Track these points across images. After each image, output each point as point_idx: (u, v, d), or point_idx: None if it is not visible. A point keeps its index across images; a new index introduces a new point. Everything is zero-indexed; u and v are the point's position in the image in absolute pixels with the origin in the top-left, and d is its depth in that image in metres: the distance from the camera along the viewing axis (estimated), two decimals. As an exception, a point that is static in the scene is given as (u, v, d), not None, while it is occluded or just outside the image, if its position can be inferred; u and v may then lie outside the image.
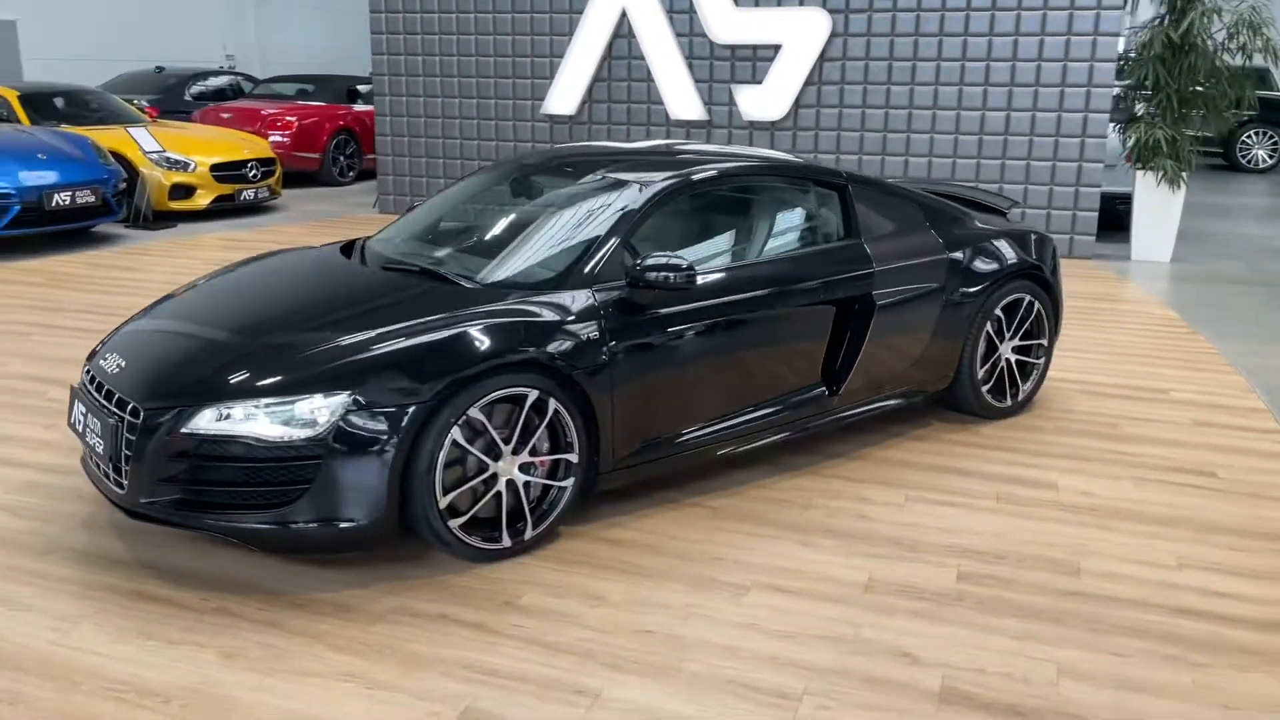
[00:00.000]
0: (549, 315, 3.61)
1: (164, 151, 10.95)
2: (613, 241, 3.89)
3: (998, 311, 4.90)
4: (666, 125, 10.71)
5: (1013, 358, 5.04)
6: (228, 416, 3.23)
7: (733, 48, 10.34)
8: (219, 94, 16.69)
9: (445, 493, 3.35)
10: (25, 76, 16.03)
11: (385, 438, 3.22)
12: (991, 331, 4.91)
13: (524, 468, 3.54)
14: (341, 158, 14.54)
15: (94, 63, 16.51)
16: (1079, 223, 9.68)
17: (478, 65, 11.38)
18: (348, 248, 4.50)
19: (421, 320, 3.49)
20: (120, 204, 9.90)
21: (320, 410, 3.21)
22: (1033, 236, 5.17)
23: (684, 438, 3.97)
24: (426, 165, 11.82)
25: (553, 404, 3.53)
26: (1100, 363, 6.09)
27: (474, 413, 3.36)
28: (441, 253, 4.27)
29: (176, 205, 10.97)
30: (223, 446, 3.22)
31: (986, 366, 4.94)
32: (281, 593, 3.31)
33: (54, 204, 9.07)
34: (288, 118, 14.18)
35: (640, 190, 4.08)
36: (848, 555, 3.64)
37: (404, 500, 3.31)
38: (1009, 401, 5.06)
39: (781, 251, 4.41)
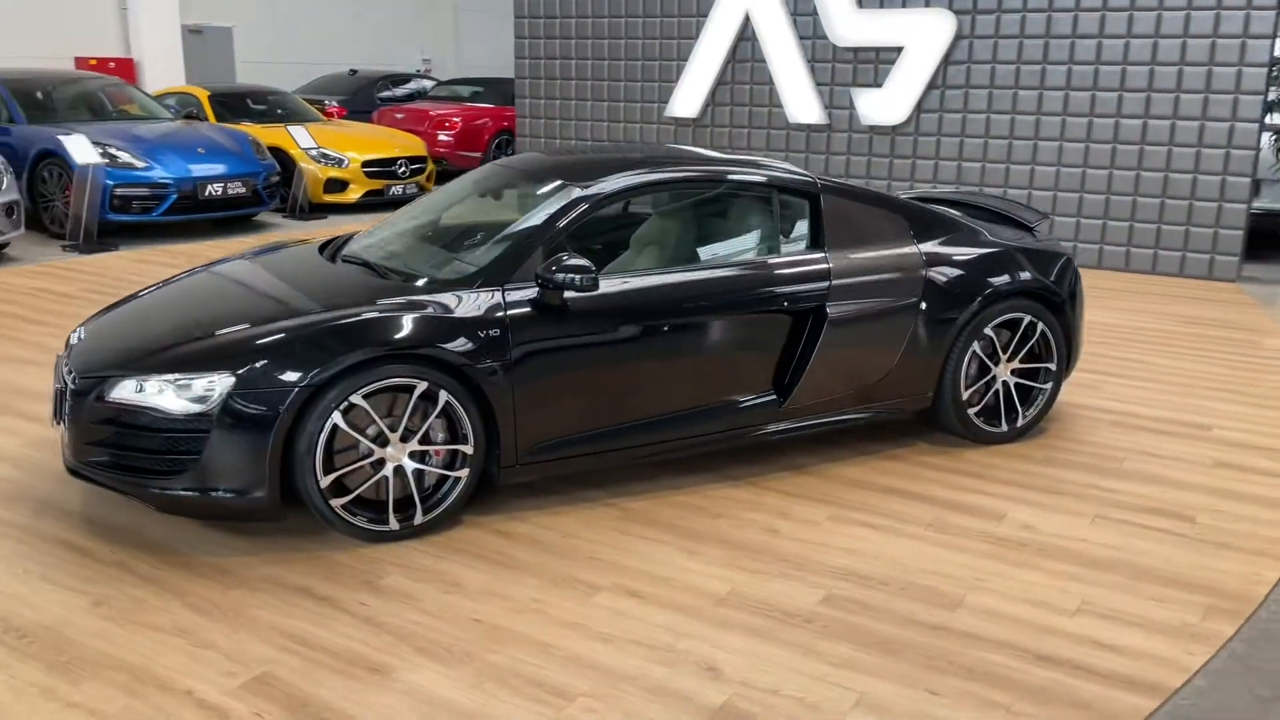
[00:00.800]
0: (450, 311, 3.75)
1: (320, 148, 11.80)
2: (530, 244, 3.98)
3: (989, 331, 4.65)
4: (786, 129, 10.61)
5: (1012, 381, 4.76)
6: (142, 389, 3.55)
7: (854, 50, 10.13)
8: (408, 96, 17.76)
9: (332, 472, 3.56)
10: (238, 78, 17.63)
11: (265, 417, 3.46)
12: (982, 352, 4.66)
13: (416, 455, 3.71)
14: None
15: (300, 66, 17.94)
16: (1221, 242, 8.90)
17: (608, 69, 11.63)
18: (331, 243, 4.78)
19: (324, 310, 3.72)
20: (271, 196, 10.76)
21: (211, 388, 3.49)
22: (1049, 255, 4.87)
23: (601, 438, 4.02)
24: (561, 165, 12.18)
25: (444, 396, 3.67)
26: (1155, 393, 5.64)
27: (357, 399, 3.55)
28: (397, 248, 4.48)
29: (330, 198, 11.81)
30: (137, 415, 3.55)
31: (975, 388, 4.69)
32: (180, 553, 3.62)
33: (207, 194, 9.98)
34: (453, 118, 14.93)
35: (572, 195, 4.15)
36: (725, 567, 3.59)
37: (288, 477, 3.54)
38: (1004, 427, 4.78)
39: (724, 259, 4.37)
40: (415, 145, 12.82)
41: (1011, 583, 3.52)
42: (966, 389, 4.68)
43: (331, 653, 3.04)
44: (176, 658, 2.99)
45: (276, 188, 10.90)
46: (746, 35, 10.65)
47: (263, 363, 3.52)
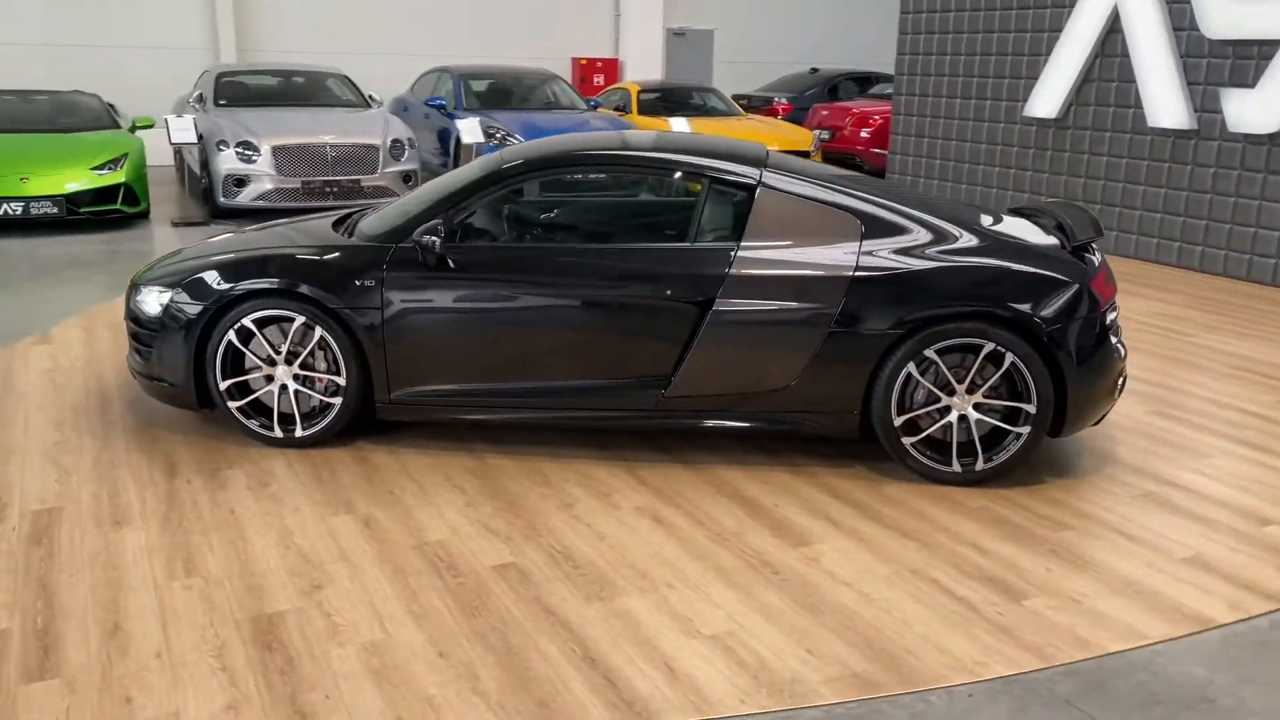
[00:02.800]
0: (338, 259, 4.36)
1: (699, 138, 12.66)
2: (429, 208, 4.43)
3: (931, 354, 4.11)
4: (1149, 135, 9.25)
5: (974, 417, 4.15)
6: (145, 298, 4.67)
7: (1230, 43, 8.54)
8: (863, 94, 17.94)
9: (229, 378, 4.40)
10: (714, 78, 19.12)
11: (184, 328, 4.38)
12: (924, 376, 4.14)
13: (299, 379, 4.40)
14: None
15: (775, 65, 18.97)
16: None
17: (978, 64, 10.96)
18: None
19: (254, 250, 4.53)
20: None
21: (161, 299, 4.49)
22: (1047, 282, 4.13)
23: (473, 394, 4.35)
24: (927, 166, 11.76)
25: (318, 331, 4.32)
26: (1245, 470, 4.42)
27: (246, 322, 4.33)
28: (385, 214, 5.05)
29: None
30: (140, 318, 4.68)
31: (916, 415, 4.17)
32: (141, 418, 4.70)
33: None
34: (874, 116, 14.90)
35: (488, 170, 4.49)
36: (460, 517, 3.80)
37: (200, 377, 4.44)
38: (955, 467, 4.19)
39: (618, 241, 4.39)
40: (797, 140, 13.14)
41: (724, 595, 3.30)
42: (901, 414, 4.18)
43: (65, 499, 3.88)
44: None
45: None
46: (1117, 27, 9.43)
47: (192, 285, 4.44)
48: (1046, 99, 10.11)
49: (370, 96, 12.11)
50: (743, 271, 4.21)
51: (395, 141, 10.58)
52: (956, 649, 3.06)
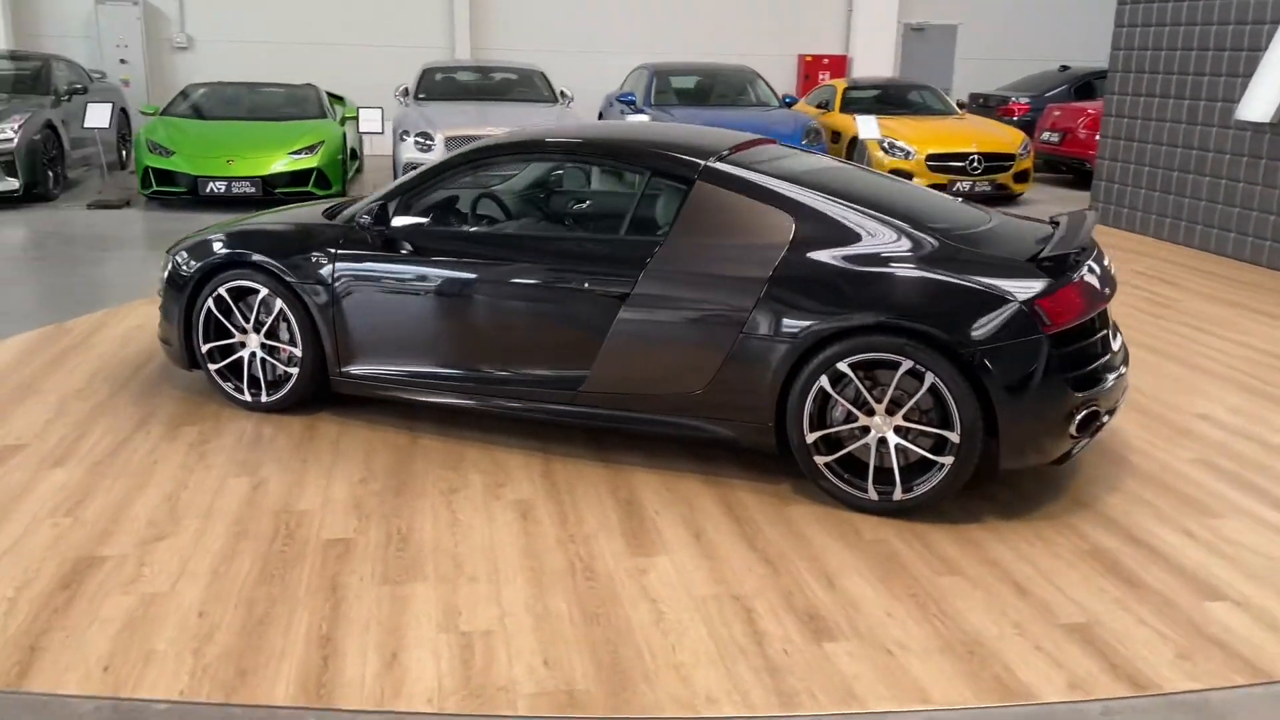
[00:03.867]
0: (301, 237, 4.60)
1: (889, 139, 12.10)
2: (385, 192, 4.56)
3: (844, 368, 3.77)
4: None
5: (893, 440, 3.77)
6: (166, 264, 5.12)
7: None
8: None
9: (209, 342, 4.75)
10: (955, 76, 18.14)
11: (178, 294, 4.78)
12: (837, 392, 3.80)
13: (265, 348, 4.68)
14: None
15: (1021, 63, 17.74)
16: None
17: (1193, 60, 9.75)
18: None
19: (249, 224, 4.86)
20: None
21: (166, 264, 4.92)
22: (980, 296, 3.67)
23: (412, 375, 4.45)
24: (1135, 173, 10.60)
25: (278, 303, 4.58)
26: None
27: (221, 291, 4.67)
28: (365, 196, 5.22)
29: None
30: (161, 283, 5.13)
31: (828, 433, 3.84)
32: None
33: (735, 171, 11.21)
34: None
35: (438, 159, 4.56)
36: (285, 478, 3.91)
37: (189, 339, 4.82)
38: (873, 495, 3.82)
39: (551, 232, 4.31)
40: (1006, 141, 12.23)
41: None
42: (814, 431, 3.86)
43: None
44: (25, 424, 4.56)
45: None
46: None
47: (187, 252, 4.82)
48: (1260, 101, 8.85)
49: (561, 92, 12.51)
50: (660, 267, 4.04)
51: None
52: (702, 682, 2.81)
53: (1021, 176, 12.24)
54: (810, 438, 3.86)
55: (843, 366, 3.77)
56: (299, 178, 10.59)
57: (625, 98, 12.93)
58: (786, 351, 3.83)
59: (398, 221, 4.46)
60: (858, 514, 3.84)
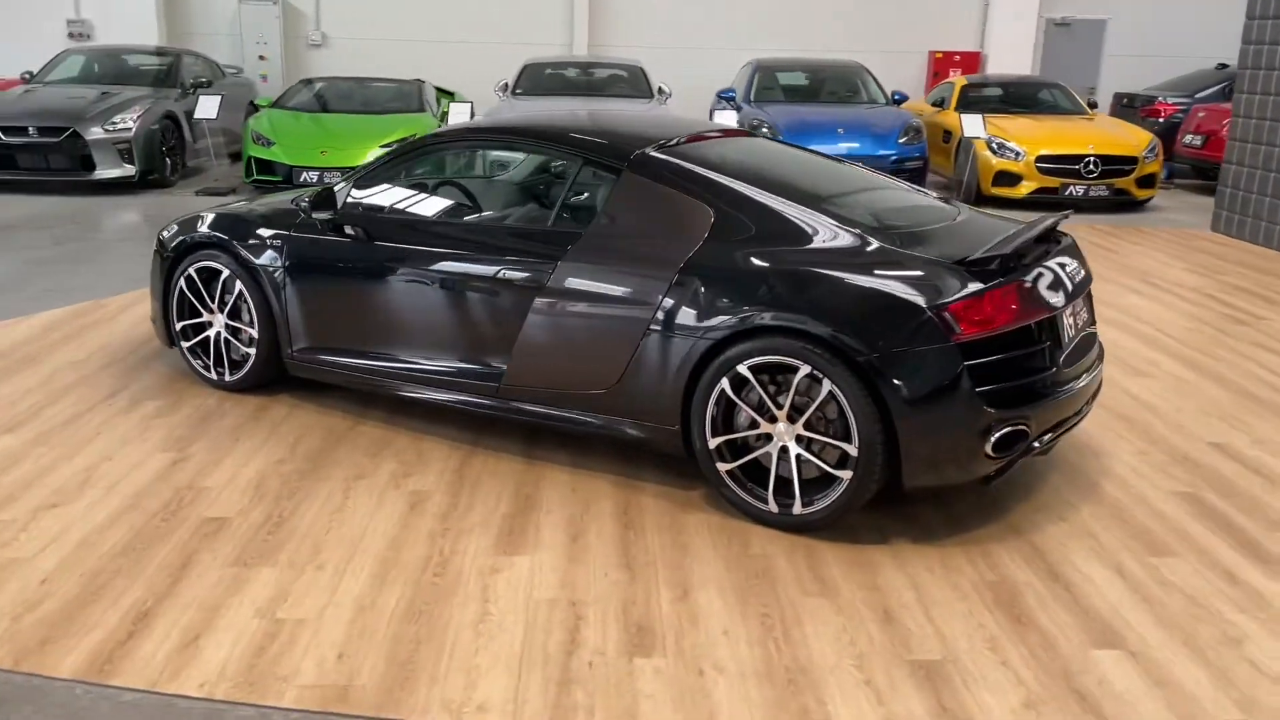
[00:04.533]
0: (262, 219, 4.68)
1: (996, 138, 11.47)
2: (346, 176, 4.58)
3: (744, 370, 3.55)
4: None
5: (794, 450, 3.54)
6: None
7: None
8: None
9: (184, 318, 4.91)
10: (1100, 75, 17.05)
11: (158, 273, 4.95)
12: (740, 396, 3.58)
13: (229, 328, 4.80)
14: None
15: (1177, 60, 16.55)
16: None
17: (1321, 56, 8.83)
18: None
19: (229, 208, 4.99)
20: (911, 181, 11.03)
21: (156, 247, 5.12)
22: (885, 300, 3.39)
23: (357, 360, 4.46)
24: (1261, 180, 9.68)
25: (239, 285, 4.68)
26: None
27: (191, 271, 4.81)
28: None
29: (998, 191, 11.44)
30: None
31: (731, 439, 3.63)
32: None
33: (824, 169, 10.86)
34: (1256, 120, 12.53)
35: (386, 150, 4.54)
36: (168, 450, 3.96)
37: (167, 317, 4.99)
38: (773, 507, 3.59)
39: (482, 221, 4.22)
40: (1129, 143, 11.39)
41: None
42: (716, 436, 3.65)
43: None
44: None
45: (918, 173, 11.12)
46: None
47: (169, 233, 4.98)
48: (1396, 98, 7.92)
49: (659, 88, 12.42)
50: (576, 258, 3.91)
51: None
52: (485, 689, 2.68)
53: (1147, 181, 11.38)
54: (712, 443, 3.66)
55: (743, 369, 3.55)
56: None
57: (725, 94, 12.73)
58: (689, 351, 3.64)
59: (348, 207, 4.49)
60: (758, 526, 3.61)
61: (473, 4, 16.30)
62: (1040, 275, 3.65)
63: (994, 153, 11.44)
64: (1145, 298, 7.15)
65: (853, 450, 3.41)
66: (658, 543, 3.50)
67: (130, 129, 10.90)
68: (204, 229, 4.79)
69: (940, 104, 13.29)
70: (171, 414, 4.57)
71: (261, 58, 16.05)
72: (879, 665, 2.82)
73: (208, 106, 11.19)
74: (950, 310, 3.34)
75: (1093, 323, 4.15)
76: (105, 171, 10.78)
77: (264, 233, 4.63)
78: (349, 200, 4.51)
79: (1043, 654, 2.90)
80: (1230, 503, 3.90)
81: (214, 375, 4.88)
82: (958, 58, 16.80)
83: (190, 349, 4.93)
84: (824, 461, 3.50)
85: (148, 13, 15.72)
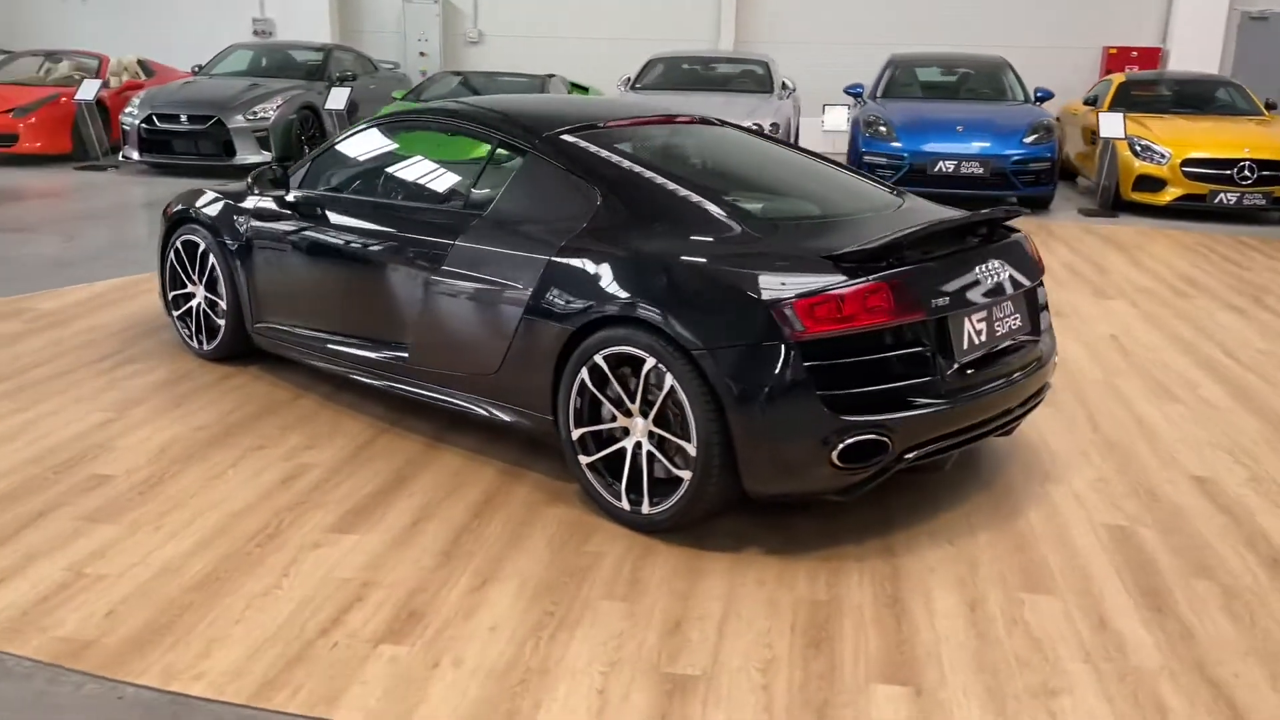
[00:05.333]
0: (235, 196, 4.86)
1: (1138, 139, 10.56)
2: (307, 158, 4.70)
3: (600, 361, 3.40)
4: None
5: (646, 447, 3.37)
6: None
7: None
8: None
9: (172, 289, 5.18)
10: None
11: (161, 240, 5.24)
12: (597, 387, 3.44)
13: (209, 301, 5.02)
14: None
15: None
16: None
17: None
18: None
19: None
20: (1038, 182, 10.31)
21: (164, 223, 5.42)
22: (719, 289, 3.19)
23: (306, 338, 4.54)
24: None
25: (212, 258, 4.88)
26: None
27: (178, 244, 5.06)
28: None
29: (1139, 196, 10.54)
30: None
31: (589, 430, 3.50)
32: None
33: (937, 170, 10.31)
34: None
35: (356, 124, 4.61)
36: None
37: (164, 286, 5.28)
38: (624, 504, 3.43)
39: (406, 201, 4.22)
40: (1288, 148, 10.25)
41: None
42: (579, 426, 3.52)
43: None
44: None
45: (1045, 174, 10.39)
46: None
47: (169, 208, 5.24)
48: None
49: (783, 84, 12.14)
50: (467, 243, 3.86)
51: (756, 126, 10.53)
52: (217, 659, 2.67)
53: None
54: (575, 434, 3.52)
55: (599, 359, 3.40)
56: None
57: (852, 89, 12.29)
58: (555, 338, 3.53)
59: (305, 185, 4.61)
60: (610, 524, 3.45)
61: (624, 2, 16.42)
62: (931, 273, 3.32)
63: (1136, 155, 10.54)
64: (1241, 317, 6.40)
65: (692, 450, 3.20)
66: (496, 533, 3.40)
67: (269, 119, 11.61)
68: (192, 204, 5.02)
69: (1093, 102, 12.36)
70: (141, 378, 4.82)
71: (421, 54, 16.73)
72: (627, 675, 2.64)
73: (337, 98, 11.76)
74: (793, 306, 3.08)
75: (1034, 330, 3.74)
76: (244, 157, 11.50)
77: (233, 209, 4.81)
78: (304, 179, 4.62)
79: (815, 682, 2.63)
80: (1165, 542, 3.42)
81: (195, 344, 5.12)
82: (1135, 54, 15.55)
83: (179, 318, 5.19)
84: (671, 460, 3.31)
85: (322, 12, 16.70)
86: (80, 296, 6.23)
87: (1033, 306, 3.76)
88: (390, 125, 4.62)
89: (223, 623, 2.85)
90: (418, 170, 4.45)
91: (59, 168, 12.00)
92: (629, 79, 12.45)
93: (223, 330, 4.93)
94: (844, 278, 3.16)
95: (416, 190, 4.37)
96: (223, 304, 4.88)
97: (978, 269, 3.46)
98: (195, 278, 5.02)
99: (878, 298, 3.16)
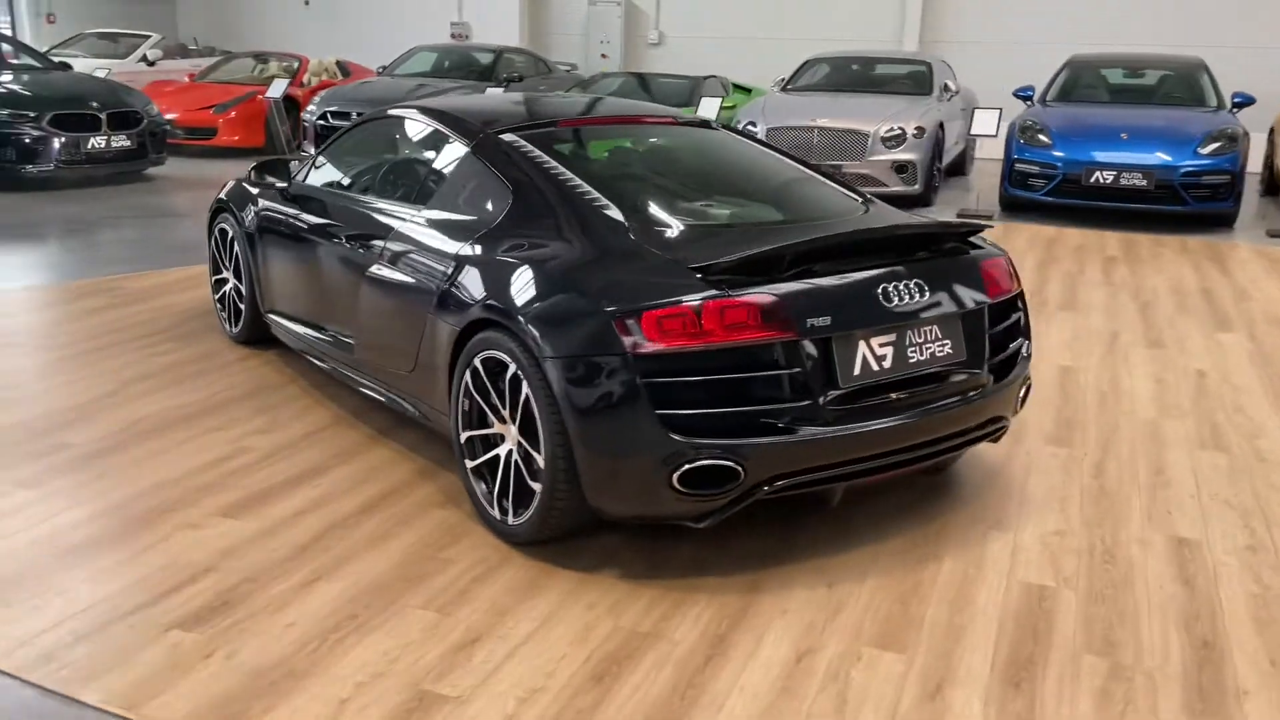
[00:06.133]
0: (251, 188, 5.08)
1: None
2: (316, 153, 4.85)
3: (479, 364, 3.33)
4: None
5: (515, 456, 3.27)
6: None
7: None
8: None
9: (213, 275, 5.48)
10: None
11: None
12: (478, 392, 3.36)
13: (235, 287, 5.28)
14: None
15: None
16: None
17: None
18: None
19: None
20: (1213, 197, 9.30)
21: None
22: (568, 298, 3.05)
23: (299, 328, 4.69)
24: None
25: (237, 246, 5.13)
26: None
27: (215, 232, 5.35)
28: None
29: (1338, 216, 9.32)
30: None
31: (475, 434, 3.42)
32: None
33: (1093, 180, 9.47)
34: None
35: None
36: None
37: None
38: (494, 511, 3.34)
39: (362, 194, 4.28)
40: None
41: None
42: (468, 430, 3.45)
43: None
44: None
45: (1223, 189, 9.34)
46: None
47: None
48: None
49: (945, 85, 11.51)
50: (394, 245, 3.88)
51: (893, 130, 10.06)
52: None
53: None
54: (463, 436, 3.46)
55: (477, 362, 3.32)
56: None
57: (1021, 92, 11.48)
58: (448, 338, 3.47)
59: (299, 180, 4.77)
60: (485, 531, 3.37)
61: (806, 3, 16.06)
62: (816, 290, 3.03)
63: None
64: (1382, 357, 5.51)
65: (540, 460, 3.07)
66: (368, 531, 3.38)
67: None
68: (228, 194, 5.29)
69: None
70: (166, 356, 5.11)
71: (603, 56, 17.00)
72: (381, 689, 2.55)
73: (276, 88, 12.69)
74: (638, 318, 2.89)
75: (974, 359, 3.35)
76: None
77: (247, 199, 5.04)
78: (304, 173, 4.77)
79: (568, 717, 2.45)
80: (1083, 610, 2.98)
81: (226, 327, 5.40)
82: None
83: (217, 301, 5.49)
84: (530, 471, 3.18)
85: (512, 14, 17.29)
86: (172, 279, 6.69)
87: (974, 332, 3.36)
88: (375, 124, 4.69)
89: (51, 593, 2.96)
90: (381, 168, 4.48)
91: (250, 159, 13.00)
92: (783, 80, 12.16)
93: (243, 314, 5.17)
94: (712, 290, 2.94)
95: (373, 186, 4.40)
96: (239, 285, 5.12)
97: (889, 288, 3.13)
98: (227, 264, 5.29)
99: (740, 314, 2.92)
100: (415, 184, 4.15)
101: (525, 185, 3.58)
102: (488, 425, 3.36)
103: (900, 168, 10.05)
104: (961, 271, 3.36)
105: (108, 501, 3.54)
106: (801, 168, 4.15)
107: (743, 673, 2.65)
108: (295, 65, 14.55)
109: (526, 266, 3.21)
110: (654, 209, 3.54)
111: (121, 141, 10.57)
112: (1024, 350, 3.63)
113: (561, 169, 3.63)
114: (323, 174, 4.72)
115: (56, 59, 12.62)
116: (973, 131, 10.20)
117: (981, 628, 2.88)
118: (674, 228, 3.40)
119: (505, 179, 3.65)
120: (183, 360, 5.05)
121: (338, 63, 15.22)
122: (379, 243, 3.93)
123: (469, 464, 3.44)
